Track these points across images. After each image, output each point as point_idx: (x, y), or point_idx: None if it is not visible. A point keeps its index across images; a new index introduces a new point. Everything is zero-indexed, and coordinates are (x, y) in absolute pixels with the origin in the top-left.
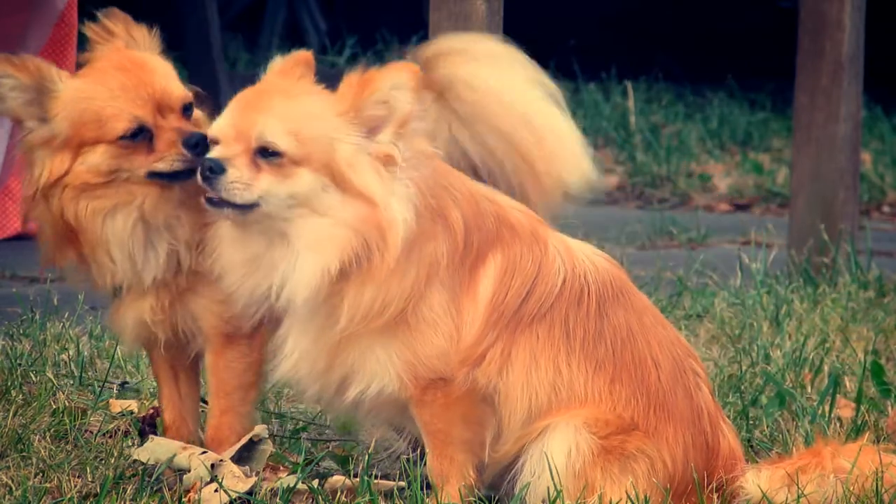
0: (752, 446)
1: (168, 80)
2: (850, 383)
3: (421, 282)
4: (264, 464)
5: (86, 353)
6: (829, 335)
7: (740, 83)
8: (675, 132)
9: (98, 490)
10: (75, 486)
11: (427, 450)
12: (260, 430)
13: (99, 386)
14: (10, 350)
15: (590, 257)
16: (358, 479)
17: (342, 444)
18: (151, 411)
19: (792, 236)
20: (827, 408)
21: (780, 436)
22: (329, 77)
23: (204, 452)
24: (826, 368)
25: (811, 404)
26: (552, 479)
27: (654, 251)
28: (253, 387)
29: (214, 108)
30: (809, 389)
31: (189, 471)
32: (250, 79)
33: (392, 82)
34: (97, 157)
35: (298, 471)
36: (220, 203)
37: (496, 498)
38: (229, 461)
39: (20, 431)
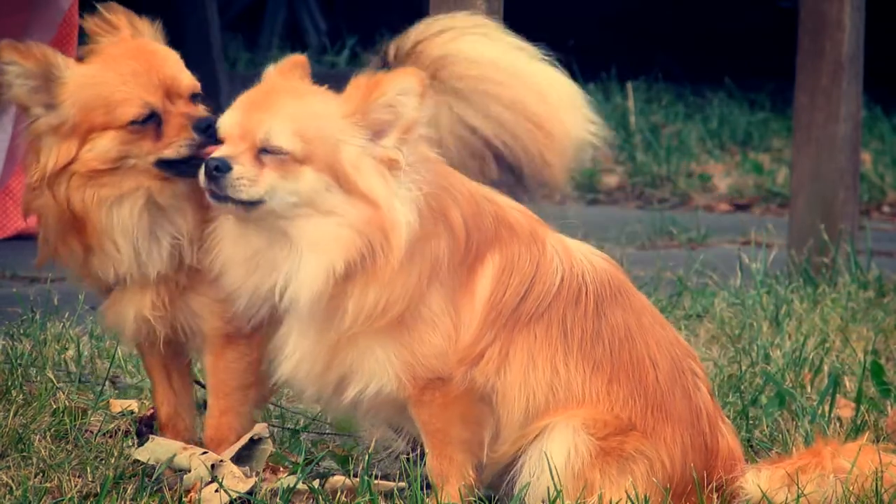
0: (751, 446)
1: (177, 68)
2: (849, 383)
3: (423, 282)
4: (264, 464)
5: (86, 353)
6: (829, 335)
7: (740, 83)
8: (675, 132)
9: (98, 490)
10: (75, 485)
11: (426, 450)
12: (260, 429)
13: (99, 386)
14: (10, 350)
15: (588, 257)
16: (358, 479)
17: (342, 444)
18: (151, 411)
19: (792, 236)
20: (827, 408)
21: (780, 436)
22: (329, 77)
23: (204, 453)
24: (826, 368)
25: (811, 404)
26: (552, 479)
27: (654, 251)
28: (252, 387)
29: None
30: (809, 389)
31: (189, 471)
32: (250, 79)
33: (399, 87)
34: (106, 143)
35: (298, 471)
36: (225, 199)
37: (496, 498)
38: (229, 461)
39: (20, 431)
